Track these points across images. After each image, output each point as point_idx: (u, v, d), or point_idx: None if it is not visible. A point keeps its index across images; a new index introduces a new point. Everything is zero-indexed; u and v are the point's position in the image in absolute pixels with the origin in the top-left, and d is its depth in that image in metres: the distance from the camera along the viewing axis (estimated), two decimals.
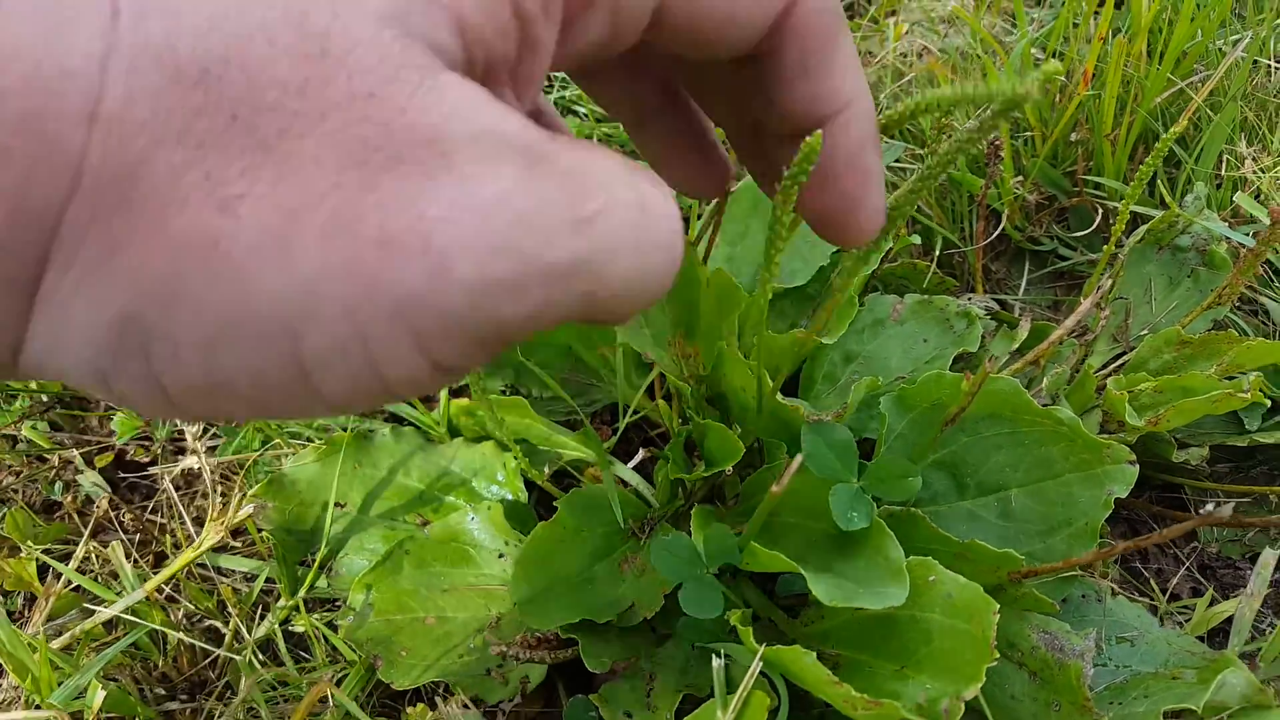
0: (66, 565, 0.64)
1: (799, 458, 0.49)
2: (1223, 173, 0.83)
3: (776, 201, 0.33)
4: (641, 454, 0.75)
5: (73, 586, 0.65)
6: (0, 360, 0.27)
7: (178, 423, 0.73)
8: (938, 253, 0.82)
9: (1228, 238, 0.77)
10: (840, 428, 0.54)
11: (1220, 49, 0.88)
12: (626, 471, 0.69)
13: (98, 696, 0.53)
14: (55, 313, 0.26)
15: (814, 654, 0.43)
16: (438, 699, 0.52)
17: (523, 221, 0.25)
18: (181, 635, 0.63)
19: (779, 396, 0.56)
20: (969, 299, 0.83)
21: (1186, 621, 0.66)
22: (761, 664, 0.46)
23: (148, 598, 0.63)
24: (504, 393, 0.76)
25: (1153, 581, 0.70)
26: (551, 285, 0.26)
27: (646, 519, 0.67)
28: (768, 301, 0.40)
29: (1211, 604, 0.66)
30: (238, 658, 0.61)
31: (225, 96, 0.26)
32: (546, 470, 0.71)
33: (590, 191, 0.26)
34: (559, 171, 0.26)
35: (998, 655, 0.44)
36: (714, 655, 0.46)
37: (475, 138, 0.26)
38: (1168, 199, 0.80)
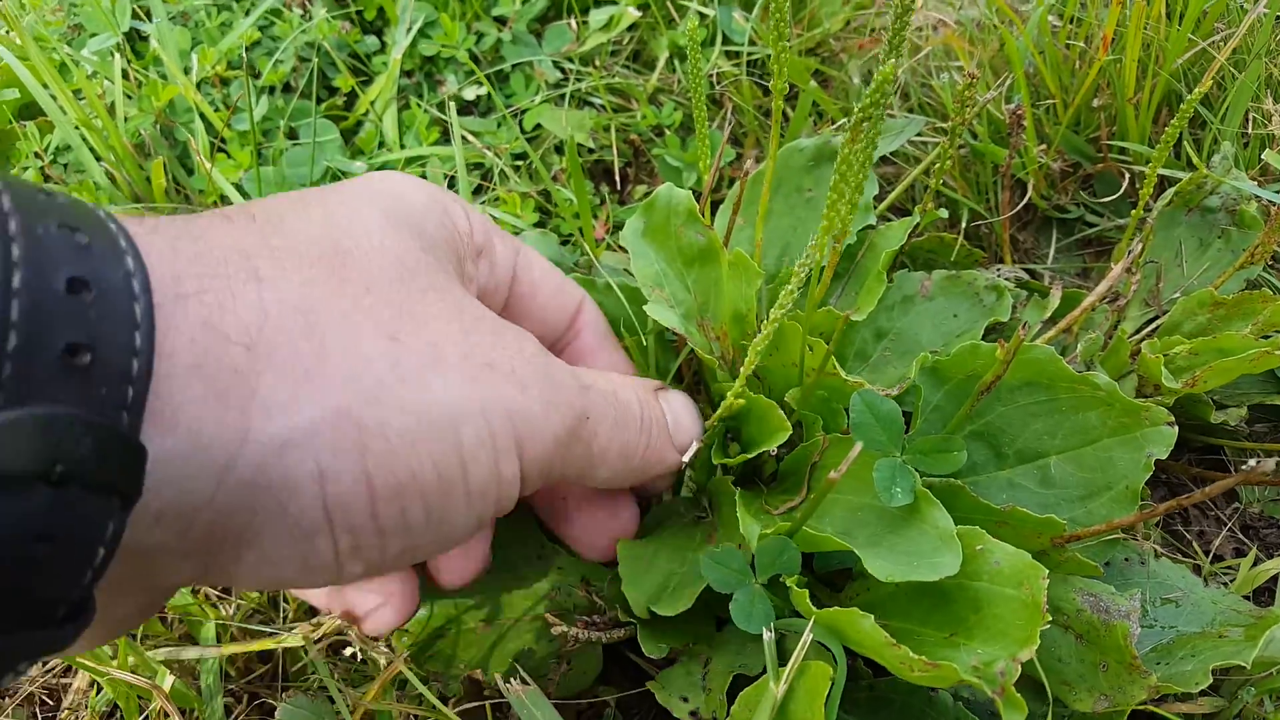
0: None
1: (859, 446, 0.49)
2: (1249, 131, 0.82)
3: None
4: None
5: None
6: (211, 475, 0.32)
7: None
8: (964, 225, 0.82)
9: (1258, 196, 0.77)
10: (888, 400, 0.54)
11: (1242, 6, 0.87)
12: None
13: (167, 681, 0.54)
14: (277, 412, 0.34)
15: (871, 617, 0.43)
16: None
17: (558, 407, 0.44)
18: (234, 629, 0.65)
19: (836, 367, 0.56)
20: (997, 270, 0.83)
21: (1230, 582, 0.66)
22: (814, 634, 0.46)
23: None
24: None
25: (1195, 544, 0.70)
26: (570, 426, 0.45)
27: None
28: (818, 276, 0.40)
29: (1256, 564, 0.66)
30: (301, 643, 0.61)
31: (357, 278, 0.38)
32: None
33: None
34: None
35: (1049, 618, 0.44)
36: (763, 630, 0.47)
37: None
38: (1195, 160, 0.80)
